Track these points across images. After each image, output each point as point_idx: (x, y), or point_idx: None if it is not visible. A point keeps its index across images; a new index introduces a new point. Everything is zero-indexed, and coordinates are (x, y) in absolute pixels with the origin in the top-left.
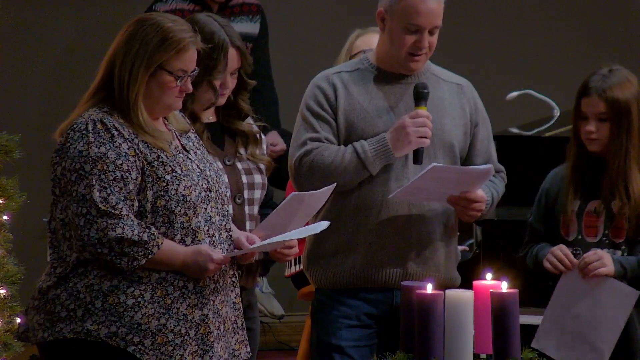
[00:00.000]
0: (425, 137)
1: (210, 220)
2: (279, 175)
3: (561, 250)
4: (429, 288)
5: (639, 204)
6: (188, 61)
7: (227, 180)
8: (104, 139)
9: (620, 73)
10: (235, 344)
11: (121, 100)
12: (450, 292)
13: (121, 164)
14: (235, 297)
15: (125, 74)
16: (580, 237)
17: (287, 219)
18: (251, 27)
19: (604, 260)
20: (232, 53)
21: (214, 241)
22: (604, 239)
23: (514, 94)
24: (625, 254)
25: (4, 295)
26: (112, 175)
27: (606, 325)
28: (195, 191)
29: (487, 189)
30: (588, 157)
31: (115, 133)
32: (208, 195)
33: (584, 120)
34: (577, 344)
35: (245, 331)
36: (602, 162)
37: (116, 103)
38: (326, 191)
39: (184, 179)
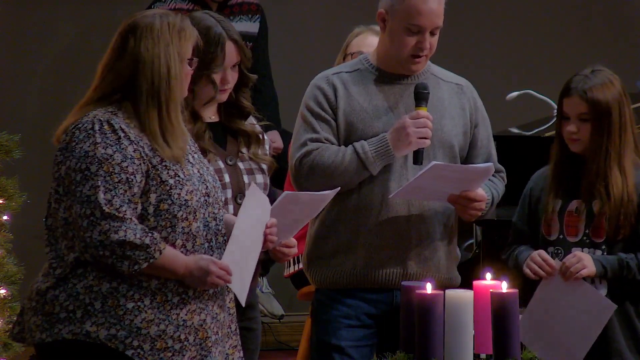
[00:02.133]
0: (426, 138)
1: (208, 225)
2: (279, 175)
3: (540, 256)
4: (429, 288)
5: (619, 204)
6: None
7: (227, 180)
8: (110, 140)
9: (603, 74)
10: (229, 348)
11: (157, 107)
12: (450, 292)
13: (127, 167)
14: (230, 302)
15: (162, 79)
16: (561, 236)
17: (285, 218)
18: (251, 27)
19: (584, 261)
20: (230, 46)
21: (211, 246)
22: (585, 238)
23: (514, 94)
24: (605, 253)
25: (4, 295)
26: (117, 177)
27: (581, 332)
28: (196, 196)
29: (487, 189)
30: (570, 157)
31: (122, 135)
32: (207, 200)
33: (566, 121)
34: (554, 346)
35: (238, 336)
36: (584, 162)
37: (142, 112)
38: (326, 195)
39: (186, 184)
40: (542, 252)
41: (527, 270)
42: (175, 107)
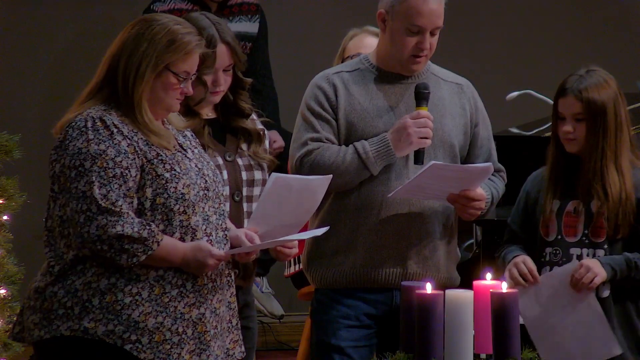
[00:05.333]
0: (427, 138)
1: (207, 219)
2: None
3: (526, 265)
4: (429, 288)
5: (617, 203)
6: (193, 64)
7: (225, 177)
8: (103, 136)
9: (598, 74)
10: (229, 343)
11: (126, 98)
12: (450, 292)
13: (120, 161)
14: (230, 297)
15: (131, 72)
16: (559, 237)
17: (280, 209)
18: (250, 27)
19: (594, 269)
20: (222, 49)
21: (211, 240)
22: (584, 238)
23: (514, 94)
24: (607, 253)
25: (4, 295)
26: (111, 172)
27: (594, 329)
28: (193, 190)
29: (487, 188)
30: (567, 158)
31: (115, 130)
32: (206, 194)
33: (562, 121)
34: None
35: (239, 331)
36: (580, 162)
37: (121, 101)
38: (319, 180)
39: (182, 177)
40: (528, 261)
41: (507, 274)
42: (139, 105)
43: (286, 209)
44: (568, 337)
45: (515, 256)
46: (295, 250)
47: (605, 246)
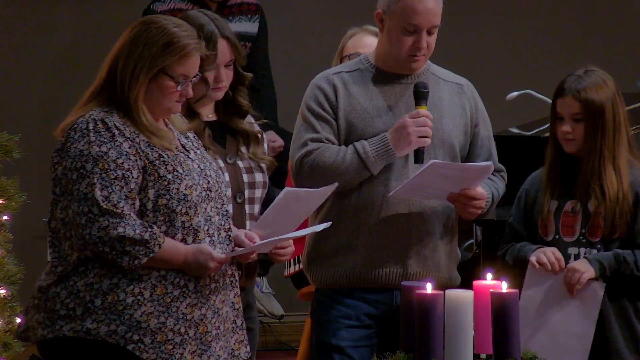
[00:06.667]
0: (426, 137)
1: (210, 220)
2: (279, 175)
3: (555, 255)
4: (429, 288)
5: (614, 203)
6: (191, 67)
7: (227, 179)
8: (104, 138)
9: (596, 74)
10: (234, 343)
11: (123, 100)
12: (450, 292)
13: (122, 163)
14: (234, 297)
15: (127, 75)
16: (557, 236)
17: (284, 216)
18: (250, 27)
19: (580, 269)
20: (223, 44)
21: (213, 241)
22: (581, 238)
23: (514, 94)
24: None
25: (4, 295)
26: (113, 174)
27: (579, 324)
28: (196, 191)
29: (487, 187)
30: (565, 158)
31: (116, 132)
32: (208, 195)
33: (560, 121)
34: (553, 346)
35: (245, 331)
36: (579, 162)
37: (119, 103)
38: (325, 190)
39: (185, 178)
40: (557, 251)
41: (533, 259)
42: (135, 107)
43: (290, 215)
44: (549, 330)
45: (540, 247)
46: (291, 250)
47: (599, 246)
